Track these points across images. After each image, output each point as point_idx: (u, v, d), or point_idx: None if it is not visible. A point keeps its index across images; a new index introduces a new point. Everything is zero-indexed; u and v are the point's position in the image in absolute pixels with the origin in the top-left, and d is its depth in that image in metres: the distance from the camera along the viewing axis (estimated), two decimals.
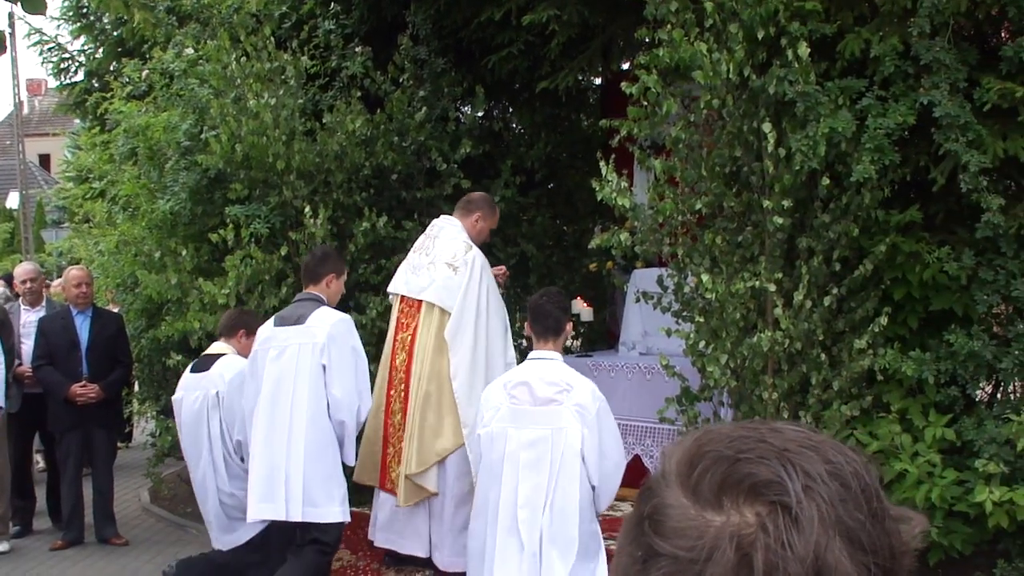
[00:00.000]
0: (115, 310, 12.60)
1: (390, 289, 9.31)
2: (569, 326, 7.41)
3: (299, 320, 7.78)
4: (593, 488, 7.07)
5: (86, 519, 10.77)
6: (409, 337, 8.94)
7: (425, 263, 8.92)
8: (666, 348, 9.25)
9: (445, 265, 8.79)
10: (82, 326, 10.86)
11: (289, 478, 7.61)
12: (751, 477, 1.14)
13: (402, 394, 8.92)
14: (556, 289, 8.20)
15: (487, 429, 7.18)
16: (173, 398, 9.06)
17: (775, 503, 1.12)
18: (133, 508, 12.28)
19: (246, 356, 8.67)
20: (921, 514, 1.23)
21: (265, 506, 7.66)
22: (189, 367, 9.00)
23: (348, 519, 8.02)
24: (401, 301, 9.08)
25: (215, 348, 8.90)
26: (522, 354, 8.73)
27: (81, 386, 10.55)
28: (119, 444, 13.77)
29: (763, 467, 1.15)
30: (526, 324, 7.81)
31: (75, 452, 10.70)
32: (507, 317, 8.99)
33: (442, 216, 9.26)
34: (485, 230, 9.21)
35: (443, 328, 8.61)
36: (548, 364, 7.20)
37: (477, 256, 8.84)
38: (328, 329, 7.69)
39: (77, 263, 14.55)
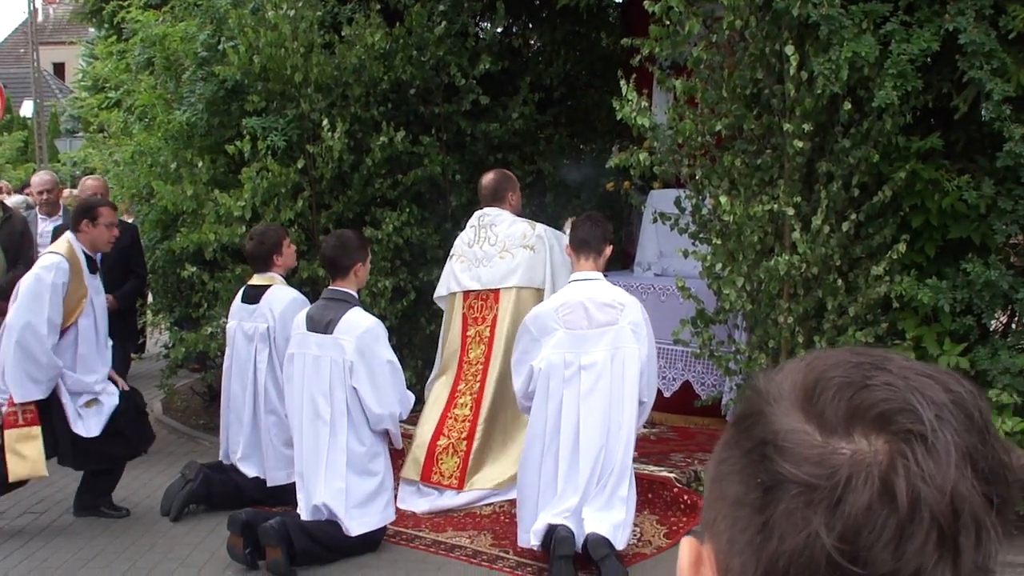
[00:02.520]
0: (129, 221, 12.59)
1: (449, 289, 9.43)
2: (609, 247, 7.52)
3: (328, 327, 7.75)
4: (640, 404, 7.25)
5: None
6: (488, 329, 9.11)
7: (495, 252, 9.10)
8: (681, 269, 9.25)
9: (522, 248, 9.01)
10: None
11: (330, 507, 7.71)
12: (882, 404, 1.11)
13: (476, 386, 9.06)
14: (597, 213, 8.30)
15: (543, 355, 7.27)
16: (227, 326, 9.28)
17: (910, 431, 1.08)
18: None
19: (290, 263, 9.08)
20: (1017, 447, 1.21)
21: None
22: (239, 295, 9.15)
23: (394, 517, 8.15)
24: (467, 298, 9.23)
25: (259, 279, 9.01)
26: None
27: None
28: (132, 355, 13.80)
29: (893, 394, 1.12)
30: (565, 246, 7.92)
31: None
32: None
33: (485, 208, 9.35)
34: (519, 199, 9.55)
35: (525, 307, 8.66)
36: (594, 284, 7.36)
37: (543, 230, 9.12)
38: (355, 343, 7.65)
39: (92, 173, 14.53)
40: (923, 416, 1.09)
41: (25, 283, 8.29)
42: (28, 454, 8.30)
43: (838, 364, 1.17)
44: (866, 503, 1.05)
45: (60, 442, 8.56)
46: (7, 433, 8.29)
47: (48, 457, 8.44)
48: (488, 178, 9.39)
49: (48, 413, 8.42)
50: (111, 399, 8.76)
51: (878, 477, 1.06)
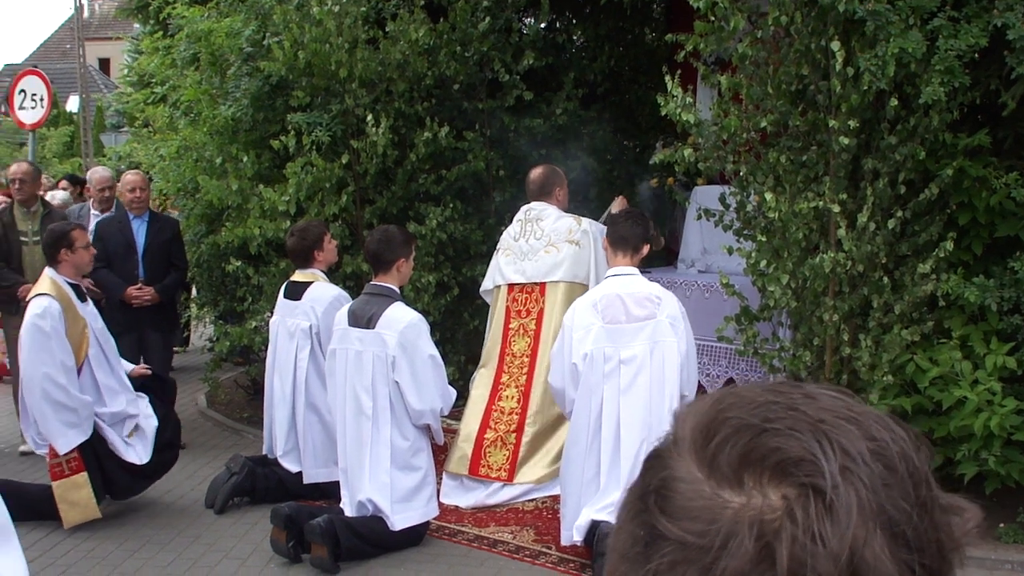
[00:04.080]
0: (174, 215, 12.67)
1: (494, 282, 9.43)
2: (647, 247, 7.53)
3: (370, 322, 7.77)
4: (682, 398, 7.24)
5: None
6: (533, 322, 9.10)
7: (540, 246, 9.10)
8: (725, 266, 9.22)
9: (567, 243, 9.02)
10: (139, 230, 10.95)
11: (374, 503, 7.75)
12: (778, 452, 0.98)
13: (523, 379, 9.06)
14: (639, 210, 8.30)
15: (583, 351, 7.26)
16: (271, 321, 9.36)
17: (806, 485, 0.96)
18: (191, 412, 12.38)
19: (331, 259, 9.11)
20: (974, 505, 1.05)
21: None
22: (282, 291, 9.21)
23: (436, 512, 8.18)
24: (511, 290, 9.24)
25: (301, 275, 9.05)
26: None
27: (137, 288, 10.66)
28: (176, 348, 13.87)
29: (794, 441, 0.99)
30: (603, 239, 7.91)
31: (129, 355, 10.79)
32: None
33: (531, 203, 9.38)
34: (567, 195, 9.52)
35: (569, 302, 8.61)
36: (631, 279, 7.37)
37: (589, 225, 9.10)
38: (397, 338, 7.67)
39: (136, 167, 14.62)
40: (824, 467, 0.96)
41: (26, 336, 8.23)
42: (79, 501, 8.36)
43: (742, 403, 1.05)
44: (739, 569, 0.94)
45: (114, 479, 8.66)
46: (55, 485, 8.33)
47: (101, 498, 8.52)
48: (536, 172, 9.38)
49: (93, 455, 8.48)
50: (149, 421, 8.82)
51: (757, 538, 0.94)
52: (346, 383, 7.82)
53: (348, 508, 7.81)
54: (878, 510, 0.95)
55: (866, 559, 0.93)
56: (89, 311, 8.63)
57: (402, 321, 7.69)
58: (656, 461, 1.06)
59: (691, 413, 1.07)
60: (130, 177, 11.21)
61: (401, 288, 8.14)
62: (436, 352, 7.87)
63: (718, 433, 1.02)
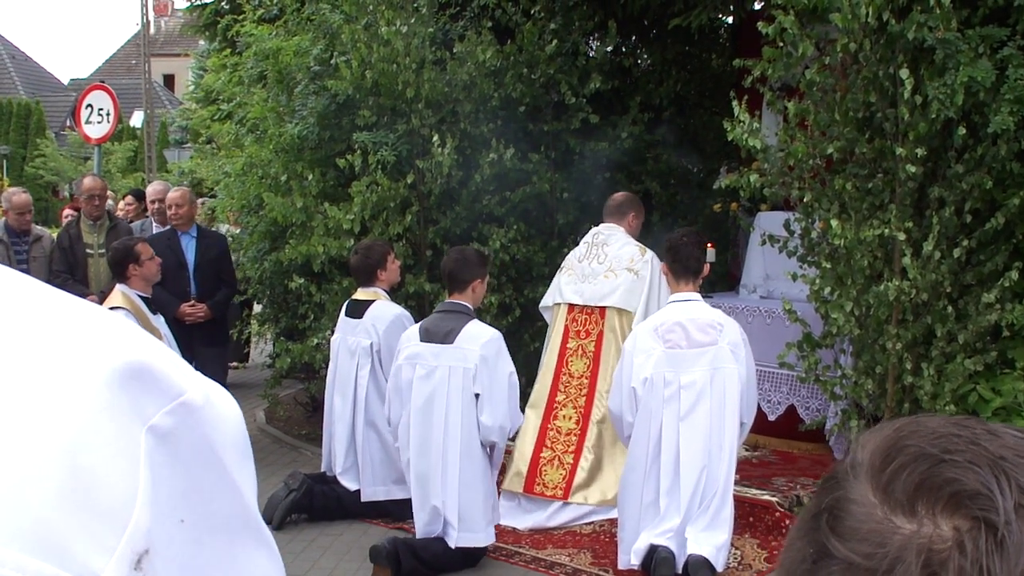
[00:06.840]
0: (237, 231, 12.76)
1: (554, 300, 9.42)
2: (707, 268, 7.52)
3: (447, 338, 7.75)
4: (741, 425, 7.25)
5: None
6: (593, 344, 9.07)
7: (601, 271, 9.07)
8: (787, 292, 9.19)
9: (626, 271, 8.97)
10: (188, 247, 11.09)
11: (445, 507, 7.73)
12: (954, 484, 0.96)
13: (582, 400, 9.03)
14: (695, 229, 8.27)
15: (643, 376, 7.26)
16: (332, 339, 9.38)
17: (979, 519, 0.93)
18: (249, 428, 12.27)
19: (394, 279, 9.10)
20: None
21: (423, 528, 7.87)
22: (344, 309, 9.23)
23: (493, 540, 8.12)
24: (570, 310, 9.21)
25: (363, 294, 9.06)
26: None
27: (190, 305, 10.77)
28: (236, 365, 13.95)
29: (971, 474, 0.96)
30: (662, 265, 7.90)
31: None
32: None
33: (601, 224, 9.36)
34: (639, 225, 9.48)
35: (626, 329, 8.62)
36: (693, 305, 7.35)
37: (653, 257, 9.00)
38: (480, 351, 7.64)
39: (199, 183, 14.76)
40: (999, 503, 0.94)
41: None
42: None
43: (924, 432, 1.03)
44: None
45: None
46: None
47: None
48: (618, 194, 9.49)
49: None
50: None
51: (924, 566, 0.92)
52: (418, 398, 7.81)
53: (420, 514, 7.79)
54: None
55: None
56: (161, 323, 8.70)
57: (483, 336, 7.70)
58: (832, 482, 1.06)
59: (872, 438, 1.06)
60: (171, 194, 11.31)
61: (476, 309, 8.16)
62: (514, 370, 7.86)
63: (896, 459, 1.01)
